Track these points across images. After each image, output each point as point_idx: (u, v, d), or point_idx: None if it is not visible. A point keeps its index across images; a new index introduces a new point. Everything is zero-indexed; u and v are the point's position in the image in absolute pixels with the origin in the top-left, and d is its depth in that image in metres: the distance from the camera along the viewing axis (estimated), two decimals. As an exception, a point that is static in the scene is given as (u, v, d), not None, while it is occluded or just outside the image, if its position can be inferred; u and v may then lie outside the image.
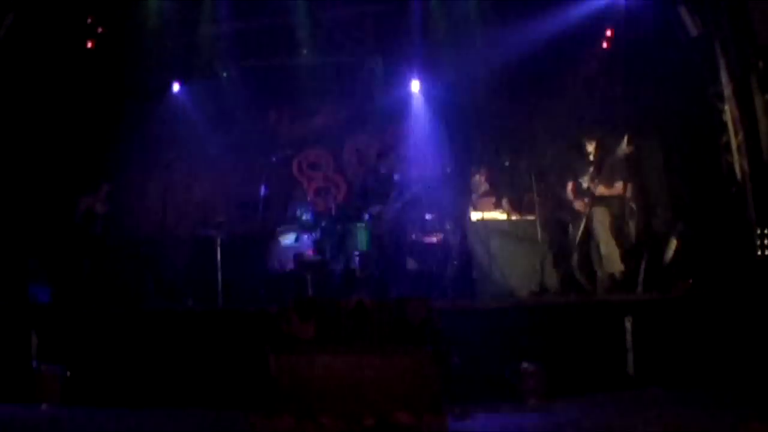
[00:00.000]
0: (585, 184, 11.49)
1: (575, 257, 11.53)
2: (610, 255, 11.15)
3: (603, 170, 11.39)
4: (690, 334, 9.67)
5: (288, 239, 12.89)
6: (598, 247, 11.22)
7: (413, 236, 12.65)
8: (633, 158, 11.66)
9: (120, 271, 12.05)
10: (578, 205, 11.48)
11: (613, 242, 11.22)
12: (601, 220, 11.25)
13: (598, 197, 11.33)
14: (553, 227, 11.91)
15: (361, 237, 12.21)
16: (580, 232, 11.40)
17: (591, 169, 11.48)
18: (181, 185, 14.03)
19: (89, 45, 13.04)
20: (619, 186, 11.37)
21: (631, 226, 11.59)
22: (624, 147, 11.24)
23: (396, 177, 12.14)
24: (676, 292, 10.62)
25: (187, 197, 14.08)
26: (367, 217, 11.72)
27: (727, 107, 11.19)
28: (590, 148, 11.59)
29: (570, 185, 11.68)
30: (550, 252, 11.59)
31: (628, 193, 11.50)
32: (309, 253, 12.69)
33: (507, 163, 12.55)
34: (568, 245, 11.65)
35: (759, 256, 10.27)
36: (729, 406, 8.21)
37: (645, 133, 12.48)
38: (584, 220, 11.35)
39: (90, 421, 8.61)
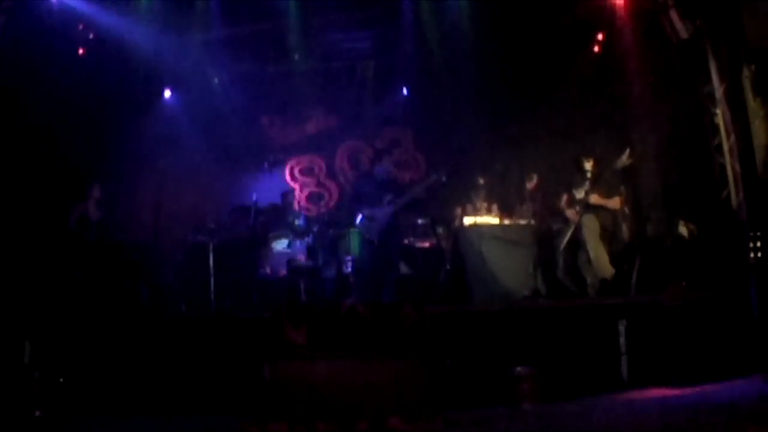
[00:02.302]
0: (579, 195, 11.50)
1: (560, 264, 11.54)
2: (598, 260, 11.17)
3: (600, 182, 11.39)
4: (683, 337, 9.67)
5: (280, 245, 12.87)
6: (587, 253, 11.23)
7: (406, 241, 12.66)
8: (630, 170, 11.69)
9: (113, 278, 12.00)
10: (569, 213, 11.50)
11: (601, 247, 11.24)
12: (590, 227, 11.26)
13: (590, 206, 11.34)
14: (543, 234, 11.92)
15: (353, 242, 12.20)
16: (566, 240, 11.41)
17: (587, 183, 11.49)
18: (174, 192, 14.01)
19: (81, 52, 13.03)
20: (616, 200, 11.39)
21: (624, 230, 11.62)
22: (624, 159, 11.26)
23: (390, 181, 12.14)
24: (669, 295, 10.62)
25: (180, 203, 14.05)
26: (359, 219, 11.70)
27: (718, 110, 11.20)
28: (588, 165, 11.60)
29: (565, 197, 11.69)
30: (539, 258, 11.61)
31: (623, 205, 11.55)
32: (301, 258, 12.69)
33: (499, 168, 12.55)
34: (555, 252, 11.67)
35: (751, 258, 10.27)
36: (724, 408, 8.20)
37: (637, 135, 12.51)
38: (572, 228, 11.36)
39: (84, 428, 8.59)
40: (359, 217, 11.75)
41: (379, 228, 11.55)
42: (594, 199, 11.33)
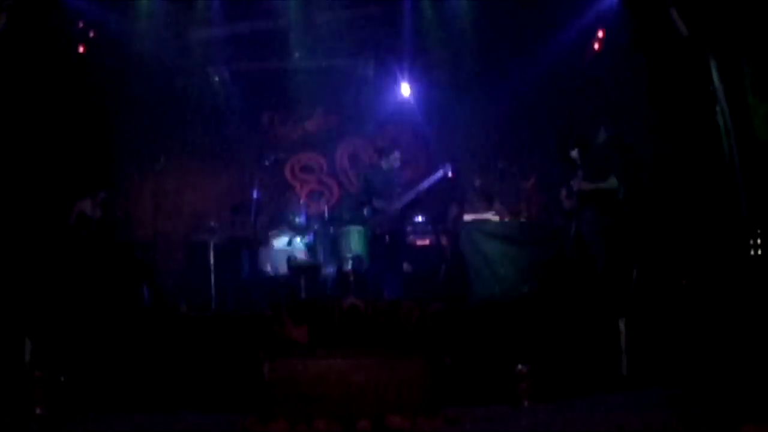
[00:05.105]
0: (575, 187, 11.48)
1: (567, 259, 11.52)
2: (599, 256, 11.14)
3: (589, 167, 11.36)
4: (684, 334, 9.67)
5: (281, 243, 12.89)
6: (587, 248, 11.21)
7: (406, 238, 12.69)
8: (616, 148, 11.65)
9: (113, 276, 12.00)
10: (567, 204, 11.46)
11: (603, 243, 11.21)
12: (591, 221, 11.23)
13: (587, 196, 11.28)
14: (546, 229, 11.91)
15: (353, 239, 12.21)
16: (572, 234, 11.38)
17: (579, 171, 11.48)
18: (174, 190, 14.04)
19: (81, 50, 13.04)
20: (611, 181, 11.32)
21: (624, 227, 11.59)
22: (602, 135, 11.22)
23: (398, 175, 12.16)
24: (670, 292, 10.62)
25: (180, 201, 14.09)
26: (367, 212, 11.70)
27: (719, 108, 11.20)
28: (574, 154, 11.56)
29: (563, 191, 11.67)
30: (542, 254, 11.59)
31: (620, 194, 11.50)
32: (302, 256, 12.70)
33: (500, 166, 12.56)
34: (561, 247, 11.64)
35: (752, 255, 10.27)
36: (725, 407, 8.19)
37: (637, 134, 12.50)
38: (575, 222, 11.33)
39: (84, 426, 8.58)
40: (366, 211, 11.76)
41: (390, 222, 11.56)
42: (584, 185, 11.26)
